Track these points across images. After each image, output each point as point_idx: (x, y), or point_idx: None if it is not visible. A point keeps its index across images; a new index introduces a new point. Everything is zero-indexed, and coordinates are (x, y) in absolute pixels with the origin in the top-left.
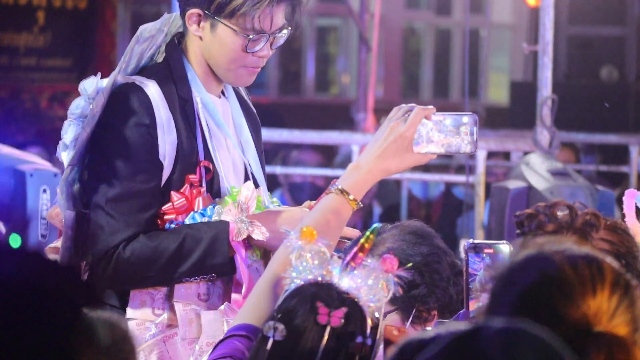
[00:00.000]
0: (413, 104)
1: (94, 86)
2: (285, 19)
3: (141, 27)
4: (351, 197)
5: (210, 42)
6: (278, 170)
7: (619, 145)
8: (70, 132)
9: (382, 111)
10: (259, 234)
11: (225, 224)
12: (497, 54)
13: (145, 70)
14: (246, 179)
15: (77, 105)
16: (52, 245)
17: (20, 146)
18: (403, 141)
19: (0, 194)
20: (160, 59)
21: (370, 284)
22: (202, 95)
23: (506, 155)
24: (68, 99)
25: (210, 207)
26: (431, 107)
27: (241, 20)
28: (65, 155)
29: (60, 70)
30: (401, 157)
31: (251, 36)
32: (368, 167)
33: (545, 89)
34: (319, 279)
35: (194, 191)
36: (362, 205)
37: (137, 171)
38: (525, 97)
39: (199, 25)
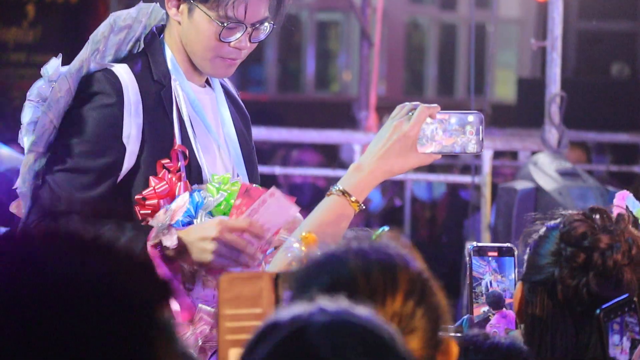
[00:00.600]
0: (417, 102)
1: (54, 68)
2: (269, 12)
3: (114, 14)
4: (353, 198)
5: (187, 28)
6: (277, 170)
7: (630, 144)
8: (27, 115)
9: (384, 109)
10: (169, 240)
11: (149, 227)
12: (504, 49)
13: (122, 60)
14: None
15: (37, 88)
16: None
17: (9, 143)
18: (407, 141)
19: (2, 195)
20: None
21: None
22: (181, 82)
23: (513, 155)
24: None
25: (196, 192)
26: (435, 105)
27: (214, 7)
28: (26, 140)
29: None
30: (405, 157)
31: (226, 24)
32: (370, 167)
33: (554, 86)
34: None
35: (173, 178)
36: (364, 207)
37: (92, 149)
38: (533, 94)
39: (178, 9)
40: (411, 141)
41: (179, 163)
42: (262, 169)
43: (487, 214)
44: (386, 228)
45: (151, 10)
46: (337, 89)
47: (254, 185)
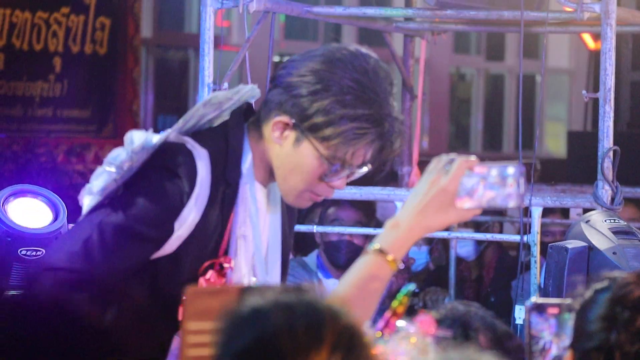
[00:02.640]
0: (454, 155)
1: (141, 141)
2: (371, 155)
3: (213, 94)
4: (390, 257)
5: (287, 155)
6: (315, 229)
7: None
8: (101, 181)
9: (428, 164)
10: None
11: None
12: (553, 101)
13: (201, 134)
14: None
15: (116, 156)
16: None
17: None
18: (445, 196)
19: None
20: (218, 122)
21: (409, 350)
22: (251, 187)
23: (564, 213)
24: (86, 153)
25: None
26: (474, 157)
27: (332, 149)
28: (87, 201)
29: (78, 122)
30: (444, 212)
31: (334, 167)
32: (408, 224)
33: (607, 140)
34: None
35: (222, 281)
36: (403, 267)
37: (149, 219)
38: (584, 148)
39: (282, 133)
40: (450, 196)
41: (226, 271)
42: (300, 227)
43: (537, 274)
44: (412, 287)
45: (248, 89)
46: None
47: None
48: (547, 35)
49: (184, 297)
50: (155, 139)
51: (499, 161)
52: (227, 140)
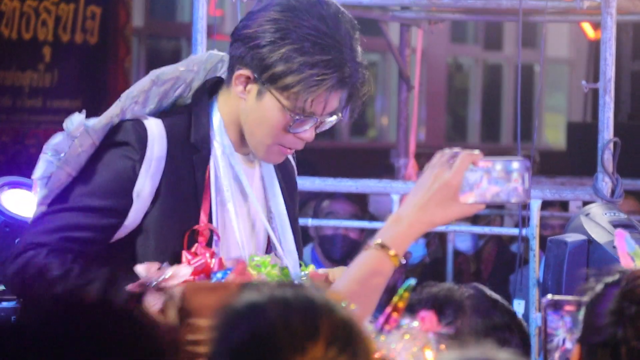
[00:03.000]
0: (458, 149)
1: (77, 123)
2: (339, 103)
3: (156, 71)
4: (392, 252)
5: (252, 109)
6: (310, 222)
7: None
8: (40, 169)
9: (424, 156)
10: (152, 300)
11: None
12: (552, 92)
13: (165, 114)
14: (268, 248)
15: (54, 141)
16: None
17: None
18: (449, 190)
19: None
20: (188, 101)
21: (409, 347)
22: (229, 151)
23: (563, 205)
24: None
25: (220, 273)
26: (478, 151)
27: (292, 98)
28: (38, 194)
29: (68, 112)
30: (446, 207)
31: (298, 117)
32: (410, 219)
33: (607, 131)
34: None
35: (207, 253)
36: (405, 262)
37: (95, 191)
38: (584, 140)
39: (245, 87)
40: (453, 190)
41: (211, 240)
42: None
43: (535, 268)
44: (413, 282)
45: (206, 57)
46: (373, 135)
47: (318, 270)
48: (546, 25)
49: (183, 293)
50: (92, 121)
51: (501, 155)
52: (190, 110)
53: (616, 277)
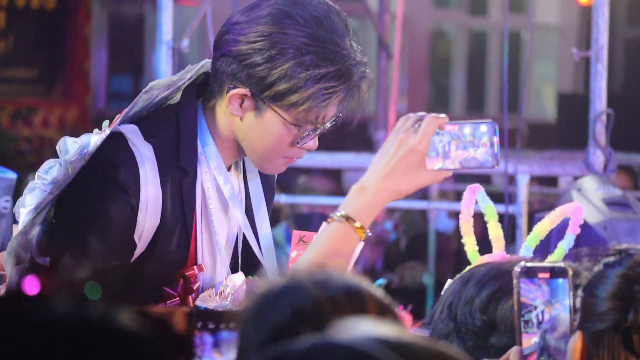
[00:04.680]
0: (423, 113)
1: (76, 149)
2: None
3: (151, 83)
4: (357, 224)
5: (251, 127)
6: (283, 199)
7: None
8: (34, 198)
9: None
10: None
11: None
12: (541, 60)
13: (148, 118)
14: (246, 260)
15: (48, 170)
16: None
17: None
18: (414, 156)
19: None
20: (172, 102)
21: None
22: (219, 169)
23: (553, 181)
24: (34, 117)
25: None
26: (444, 115)
27: (303, 114)
28: (22, 216)
29: (24, 82)
30: (412, 175)
31: (306, 133)
32: (375, 188)
33: (599, 102)
34: None
35: (187, 289)
36: (370, 234)
37: (107, 251)
38: (575, 111)
39: (241, 105)
40: (419, 157)
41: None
42: None
43: (522, 247)
44: (382, 282)
45: (201, 64)
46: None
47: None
48: None
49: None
50: (94, 139)
51: (471, 120)
52: (179, 123)
53: (616, 257)
